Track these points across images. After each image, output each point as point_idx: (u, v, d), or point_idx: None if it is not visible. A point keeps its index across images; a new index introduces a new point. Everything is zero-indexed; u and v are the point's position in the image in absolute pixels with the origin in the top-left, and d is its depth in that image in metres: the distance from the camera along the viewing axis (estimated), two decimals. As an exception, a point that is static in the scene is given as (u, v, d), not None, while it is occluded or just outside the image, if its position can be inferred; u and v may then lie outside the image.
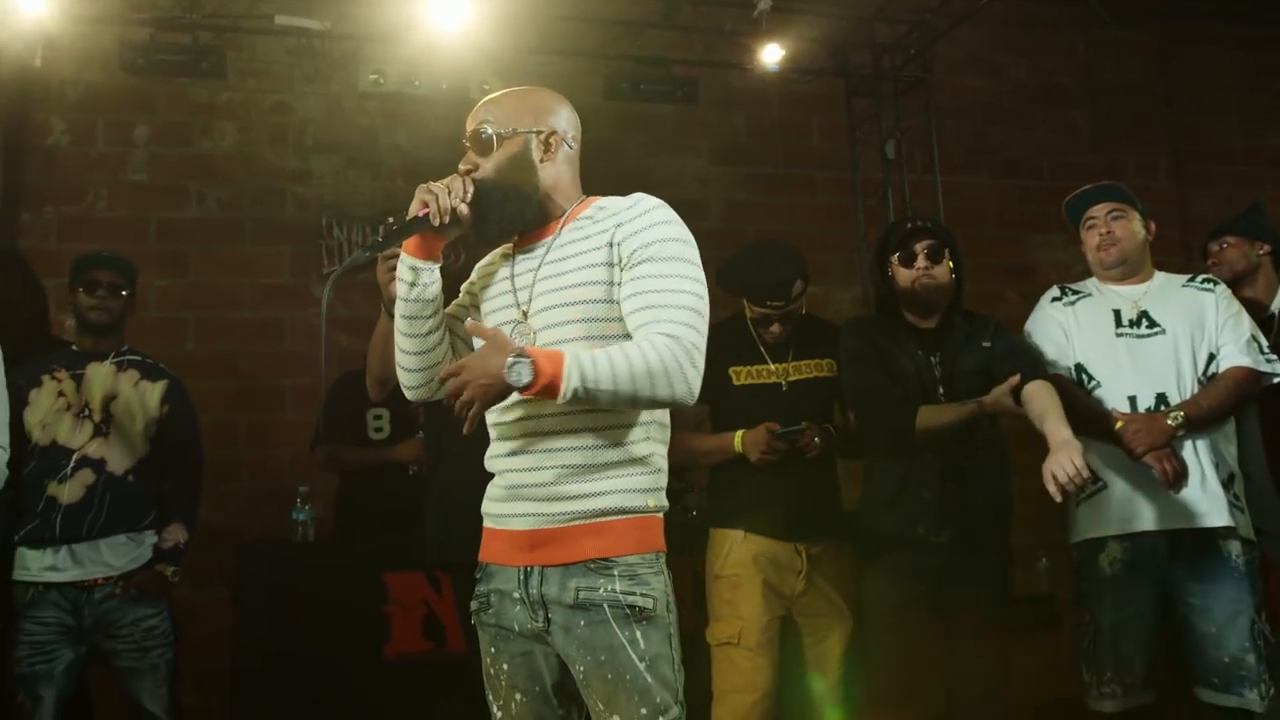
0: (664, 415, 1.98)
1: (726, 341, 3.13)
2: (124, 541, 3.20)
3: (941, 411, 3.00)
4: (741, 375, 3.20)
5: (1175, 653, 3.05)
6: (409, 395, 2.11)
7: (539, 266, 1.99)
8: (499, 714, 2.00)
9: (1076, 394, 3.08)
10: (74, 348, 3.34)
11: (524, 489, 1.94)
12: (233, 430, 4.95)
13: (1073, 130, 6.30)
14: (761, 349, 3.22)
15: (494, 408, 1.92)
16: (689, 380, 1.82)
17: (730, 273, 3.17)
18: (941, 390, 3.04)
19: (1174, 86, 6.44)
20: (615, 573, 1.87)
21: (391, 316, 2.33)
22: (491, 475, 2.07)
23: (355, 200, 5.30)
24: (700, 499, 3.97)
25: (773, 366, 3.21)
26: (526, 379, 1.75)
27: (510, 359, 1.75)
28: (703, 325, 1.88)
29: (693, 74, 5.42)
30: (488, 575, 2.01)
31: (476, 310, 2.11)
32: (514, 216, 2.00)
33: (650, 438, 1.95)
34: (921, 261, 3.06)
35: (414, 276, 1.97)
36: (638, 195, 1.99)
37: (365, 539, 3.73)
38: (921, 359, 3.07)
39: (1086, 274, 3.31)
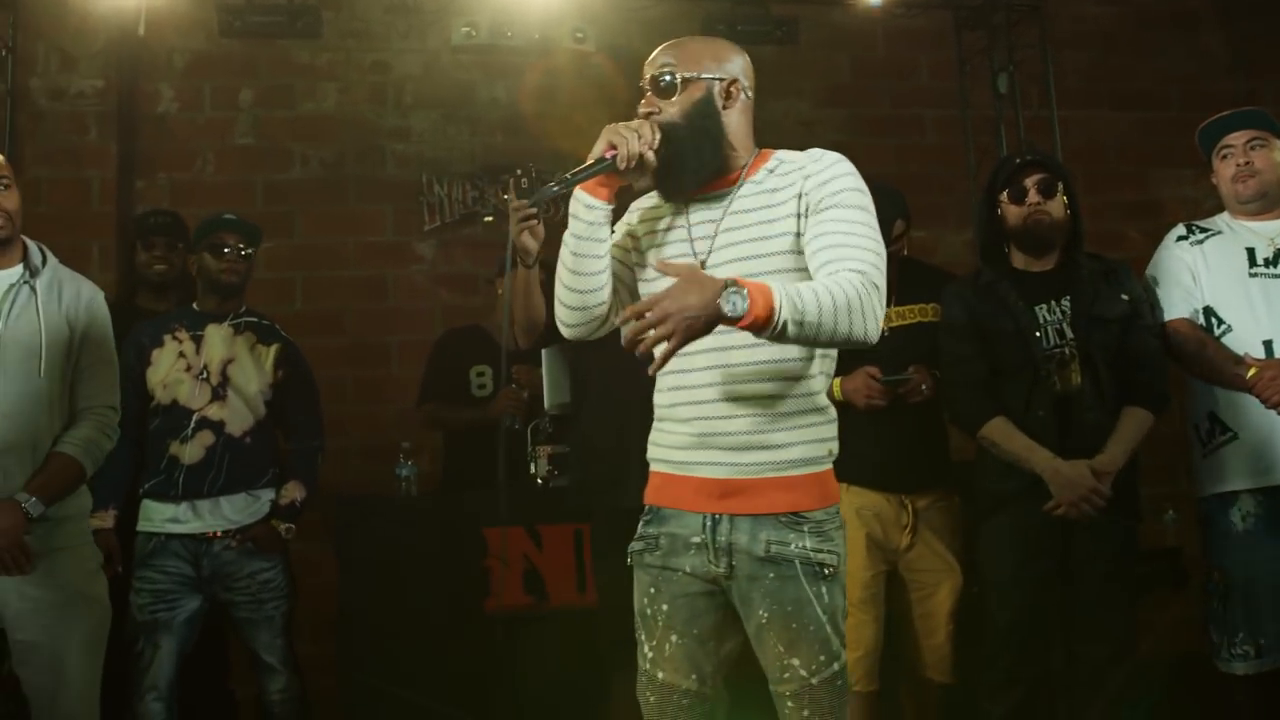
0: (832, 363, 2.02)
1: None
2: (243, 498, 3.29)
3: (1009, 439, 2.86)
4: (842, 320, 3.10)
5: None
6: (567, 333, 2.14)
7: (722, 217, 2.01)
8: (650, 654, 2.03)
9: (1205, 340, 2.89)
10: (195, 307, 3.41)
11: (716, 437, 1.96)
12: (341, 387, 5.03)
13: (1206, 56, 5.88)
14: None
15: (679, 351, 1.90)
16: (877, 317, 1.84)
17: None
18: (1070, 334, 2.86)
19: (1320, 3, 5.95)
20: (805, 529, 1.94)
21: (528, 268, 2.42)
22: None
23: (455, 156, 5.30)
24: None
25: None
26: (742, 309, 1.71)
27: (725, 289, 1.72)
28: (884, 268, 1.90)
29: (792, 13, 5.23)
30: (660, 518, 2.04)
31: (639, 254, 2.11)
32: (701, 164, 2.00)
33: (826, 389, 2.01)
34: (1033, 197, 2.90)
35: (591, 215, 2.00)
36: (819, 150, 2.00)
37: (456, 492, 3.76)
38: (1024, 311, 2.90)
39: (1217, 210, 3.09)
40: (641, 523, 2.08)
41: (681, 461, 2.02)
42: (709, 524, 1.97)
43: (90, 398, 2.80)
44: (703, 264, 1.98)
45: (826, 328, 1.78)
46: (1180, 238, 3.04)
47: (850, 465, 3.01)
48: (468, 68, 5.28)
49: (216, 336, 3.34)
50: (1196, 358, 2.91)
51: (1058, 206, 2.92)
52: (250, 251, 3.43)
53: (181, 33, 5.06)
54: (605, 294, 2.07)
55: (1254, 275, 2.89)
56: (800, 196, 1.94)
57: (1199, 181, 3.20)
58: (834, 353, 2.02)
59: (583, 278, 2.04)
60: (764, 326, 1.74)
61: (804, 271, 1.93)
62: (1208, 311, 2.94)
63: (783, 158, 2.04)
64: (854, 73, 5.62)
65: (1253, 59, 5.80)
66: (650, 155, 1.95)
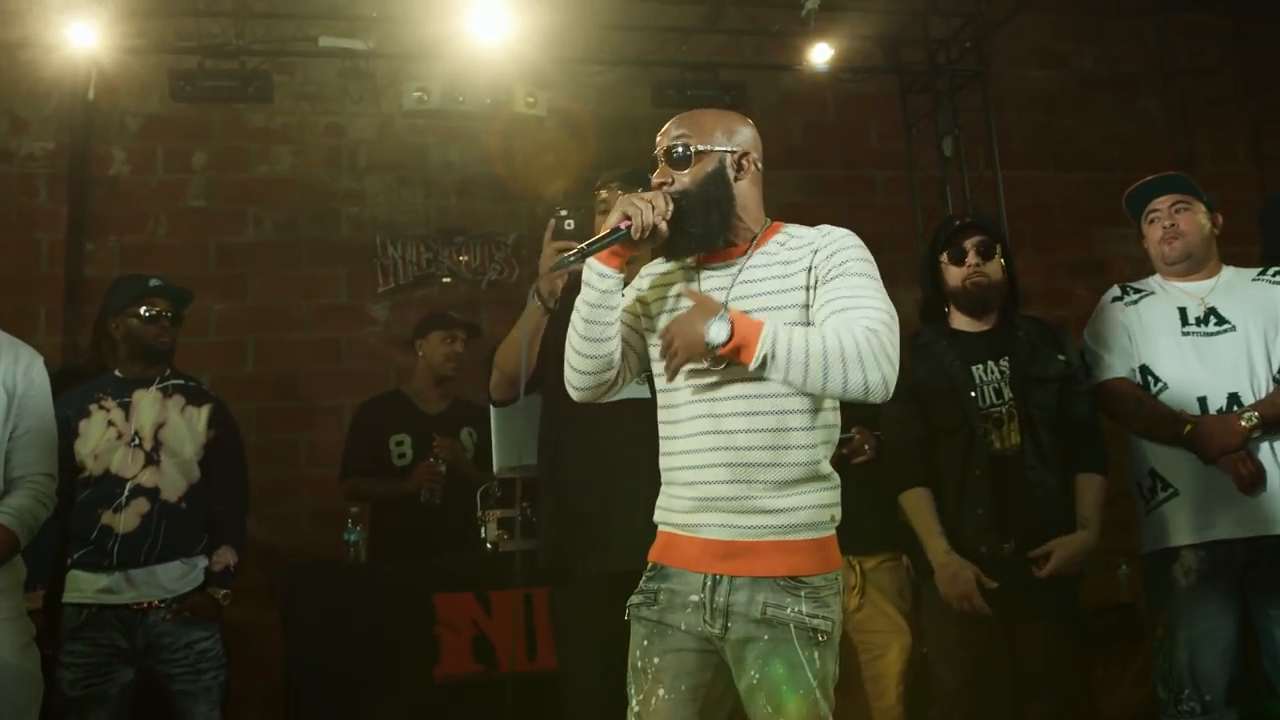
0: (836, 431, 2.06)
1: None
2: (178, 566, 3.22)
3: (916, 514, 2.91)
4: (791, 383, 3.12)
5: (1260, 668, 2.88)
6: (576, 396, 2.16)
7: (732, 285, 2.05)
8: (637, 708, 2.05)
9: (1142, 398, 2.94)
10: (118, 374, 3.33)
11: (717, 501, 2.00)
12: (293, 451, 5.00)
13: (1144, 118, 6.06)
14: None
15: (669, 419, 2.09)
16: (883, 370, 1.87)
17: None
18: (1008, 394, 2.89)
19: (1252, 67, 6.16)
20: (803, 594, 1.96)
21: (549, 312, 2.57)
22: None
23: (409, 218, 5.33)
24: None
25: None
26: (722, 336, 1.87)
27: (715, 317, 1.88)
28: (896, 330, 1.92)
29: (742, 78, 5.34)
30: (662, 575, 2.07)
31: (649, 319, 2.17)
32: (711, 233, 2.05)
33: (829, 456, 2.04)
34: (972, 258, 2.94)
35: (605, 284, 2.04)
36: (827, 225, 2.07)
37: (404, 560, 3.71)
38: (961, 370, 2.93)
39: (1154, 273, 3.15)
40: (644, 578, 2.11)
41: (685, 524, 2.06)
42: (709, 584, 2.00)
43: (27, 465, 2.75)
44: None
45: (815, 372, 1.86)
46: (1115, 299, 3.10)
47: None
48: (421, 131, 5.33)
49: (145, 401, 3.28)
50: (1135, 415, 2.95)
51: (996, 268, 2.97)
52: (179, 316, 3.37)
53: (134, 96, 5.07)
54: (615, 359, 2.11)
55: (1186, 334, 2.94)
56: (810, 270, 2.00)
57: (1142, 240, 3.27)
58: (835, 420, 2.06)
59: (594, 344, 2.08)
60: (749, 357, 1.87)
61: None
62: (1144, 370, 2.98)
63: (793, 232, 2.10)
64: (805, 135, 5.73)
65: (1189, 121, 5.98)
66: (663, 226, 2.00)
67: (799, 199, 5.63)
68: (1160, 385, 2.94)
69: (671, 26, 5.16)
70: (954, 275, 2.98)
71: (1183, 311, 2.97)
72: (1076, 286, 5.46)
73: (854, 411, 3.03)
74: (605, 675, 2.78)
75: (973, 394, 2.90)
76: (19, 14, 4.68)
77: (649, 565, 2.12)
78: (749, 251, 2.08)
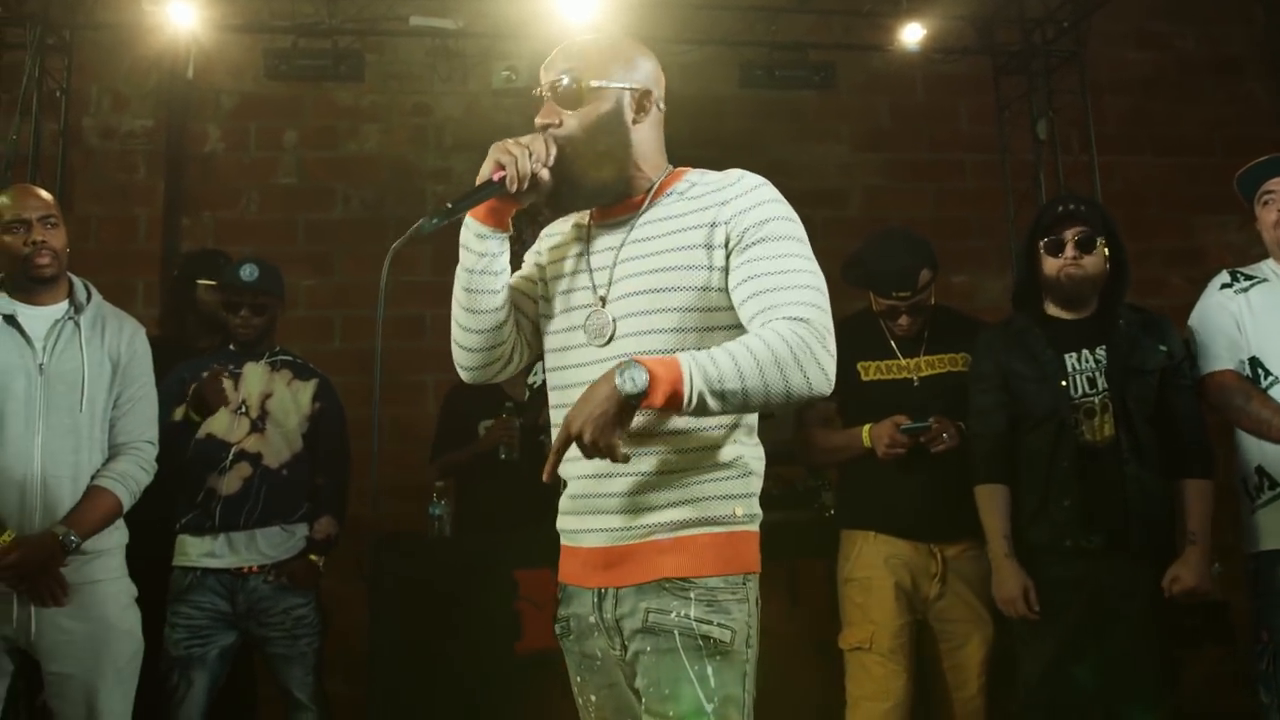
0: (751, 416, 1.74)
1: (854, 336, 3.02)
2: (278, 532, 3.32)
3: (987, 511, 2.91)
4: (870, 370, 3.08)
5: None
6: (465, 376, 1.90)
7: (621, 245, 1.77)
8: None
9: (1251, 392, 2.83)
10: (231, 347, 3.46)
11: (594, 499, 1.74)
12: (378, 424, 5.06)
13: (1249, 101, 5.84)
14: (891, 343, 3.10)
15: (557, 407, 1.78)
16: (823, 365, 1.59)
17: (855, 265, 3.06)
18: (1103, 384, 2.82)
19: (1366, 50, 5.90)
20: (692, 595, 1.65)
21: None
22: None
23: (494, 198, 5.34)
24: (835, 497, 3.85)
25: (903, 361, 3.09)
26: (641, 382, 1.51)
27: (619, 372, 1.52)
28: (828, 307, 1.65)
29: (831, 58, 5.25)
30: (567, 597, 1.82)
31: (544, 284, 1.88)
32: (602, 186, 1.77)
33: (737, 440, 1.72)
34: (1070, 250, 2.86)
35: (483, 246, 1.76)
36: (738, 171, 1.76)
37: (488, 534, 3.74)
38: (1053, 359, 2.86)
39: (1263, 257, 3.02)
40: (557, 603, 1.86)
41: (571, 530, 1.80)
42: (596, 600, 1.73)
43: (129, 432, 2.84)
44: (602, 300, 1.75)
45: (755, 389, 1.55)
46: (1224, 285, 2.97)
47: (878, 514, 3.03)
48: (508, 110, 5.34)
49: (254, 373, 3.40)
50: (1243, 411, 2.83)
51: (1096, 261, 2.87)
52: (267, 304, 3.42)
53: (229, 75, 5.18)
54: (505, 333, 1.84)
55: (1301, 325, 2.83)
56: (714, 226, 1.69)
57: (1243, 228, 3.15)
58: None
59: (477, 315, 1.81)
60: (679, 403, 1.53)
61: (712, 312, 1.70)
62: (1254, 362, 2.87)
63: (695, 179, 1.78)
64: (893, 117, 5.64)
65: (1295, 106, 5.75)
66: (545, 174, 1.71)
67: (883, 182, 5.55)
68: (1271, 379, 2.83)
69: (761, 6, 5.09)
70: (1050, 265, 2.90)
71: (1298, 301, 2.85)
72: (1172, 276, 5.31)
73: (939, 399, 3.01)
74: None
75: (1064, 383, 2.83)
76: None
77: (559, 586, 1.85)
78: (644, 205, 1.77)
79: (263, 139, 5.27)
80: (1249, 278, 2.96)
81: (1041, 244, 2.92)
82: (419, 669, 3.37)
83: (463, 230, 1.79)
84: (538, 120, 1.77)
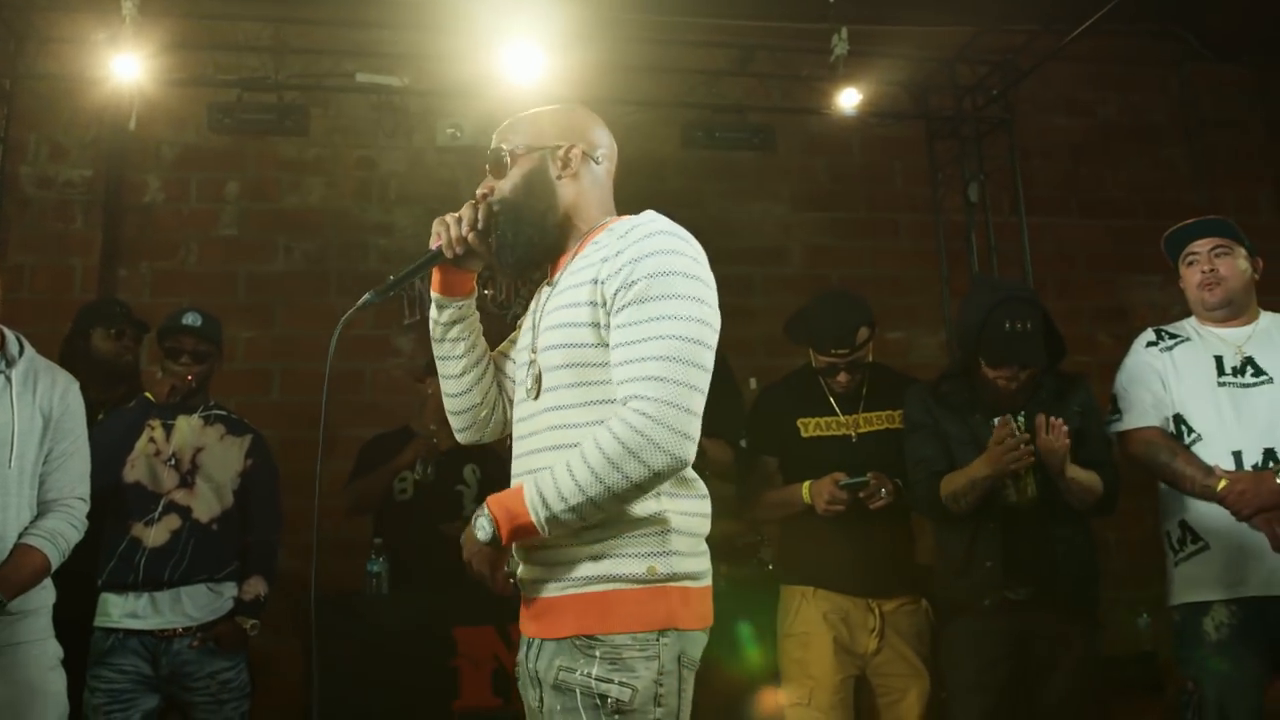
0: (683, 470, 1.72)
1: (795, 393, 3.10)
2: (204, 592, 3.25)
3: (955, 477, 2.91)
4: (810, 427, 3.14)
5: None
6: (458, 438, 2.01)
7: (546, 300, 1.83)
8: None
9: (1176, 449, 2.92)
10: (148, 396, 3.39)
11: (529, 553, 1.78)
12: (315, 480, 4.99)
13: (1168, 167, 6.07)
14: (830, 400, 3.16)
15: (515, 457, 1.82)
16: (660, 444, 1.59)
17: (797, 323, 3.13)
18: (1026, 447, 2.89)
19: (1275, 119, 6.18)
20: (596, 653, 1.65)
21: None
22: None
23: (436, 252, 5.35)
24: (775, 552, 3.89)
25: (842, 418, 3.15)
26: (489, 530, 1.67)
27: (474, 520, 1.67)
28: (685, 369, 1.62)
29: (770, 120, 5.39)
30: (522, 645, 1.86)
31: (514, 346, 1.98)
32: (531, 241, 1.82)
33: (661, 493, 1.70)
34: (1012, 371, 2.92)
35: (444, 315, 1.90)
36: (637, 220, 1.75)
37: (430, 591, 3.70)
38: (982, 423, 2.94)
39: (1185, 315, 3.13)
40: None
41: (520, 579, 1.83)
42: (526, 648, 1.80)
43: (59, 489, 2.78)
44: (535, 352, 1.80)
45: (601, 495, 1.60)
46: (1150, 343, 3.07)
47: (818, 569, 3.07)
48: (452, 166, 5.38)
49: (186, 426, 3.35)
50: (1168, 467, 2.92)
51: (1032, 373, 2.95)
52: (209, 353, 3.41)
53: (171, 126, 5.15)
54: (479, 396, 1.94)
55: (1222, 384, 2.92)
56: (595, 284, 1.70)
57: (1166, 287, 3.27)
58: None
59: (450, 380, 1.93)
60: (535, 531, 1.65)
61: (608, 368, 1.71)
62: (1178, 419, 2.97)
63: (615, 226, 1.78)
64: (831, 178, 5.76)
65: (1212, 171, 6.00)
66: (472, 236, 1.80)
67: (825, 240, 5.66)
68: (1194, 436, 2.93)
69: (701, 69, 5.22)
70: (991, 374, 2.95)
71: (1219, 360, 2.94)
72: (1099, 333, 5.46)
73: (877, 455, 3.07)
74: None
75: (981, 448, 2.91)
76: (63, 45, 4.78)
77: None
78: (569, 260, 1.82)
79: (204, 190, 5.23)
80: (1173, 336, 3.06)
81: (983, 359, 2.95)
82: (356, 728, 3.31)
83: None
84: (477, 191, 1.88)
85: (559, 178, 1.84)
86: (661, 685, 1.67)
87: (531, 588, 1.77)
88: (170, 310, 3.77)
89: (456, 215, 1.83)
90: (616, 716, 1.64)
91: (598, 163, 1.88)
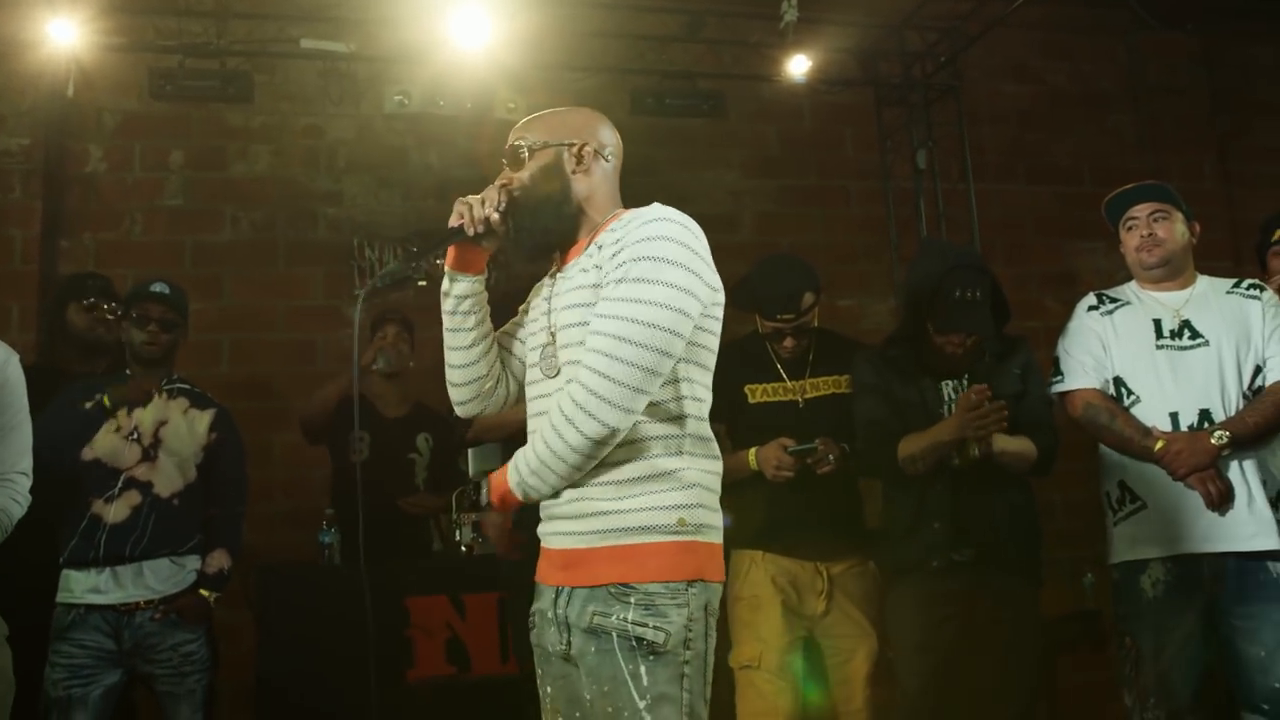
0: (698, 427, 1.89)
1: (742, 359, 3.11)
2: (166, 565, 3.22)
3: (916, 439, 2.95)
4: (757, 393, 3.16)
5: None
6: (459, 410, 2.13)
7: (552, 293, 1.98)
8: None
9: (1115, 410, 2.98)
10: (127, 372, 3.36)
11: (554, 507, 1.92)
12: (267, 452, 4.96)
13: (1115, 134, 6.15)
14: (778, 366, 3.18)
15: (530, 429, 1.97)
16: (593, 411, 1.76)
17: (742, 290, 3.13)
18: None
19: (1219, 87, 6.27)
20: (632, 600, 1.80)
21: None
22: None
23: (387, 220, 5.31)
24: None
25: (789, 384, 3.17)
26: (486, 499, 1.93)
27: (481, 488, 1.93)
28: (635, 350, 1.76)
29: (720, 87, 5.37)
30: (537, 594, 2.00)
31: (523, 328, 2.10)
32: (548, 228, 1.98)
33: (684, 451, 1.86)
34: (961, 338, 2.97)
35: (458, 289, 2.01)
36: (642, 211, 1.90)
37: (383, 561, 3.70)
38: (930, 385, 2.99)
39: (1128, 279, 3.19)
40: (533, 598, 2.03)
41: (542, 533, 1.98)
42: (554, 597, 1.91)
43: (0, 463, 2.73)
44: (553, 336, 1.94)
45: (552, 461, 1.82)
46: (1091, 307, 3.13)
47: (766, 533, 3.10)
48: (401, 134, 5.32)
49: (148, 401, 3.30)
50: (1107, 428, 2.99)
51: (978, 339, 3.00)
52: (176, 322, 3.38)
53: (112, 93, 5.03)
54: (484, 368, 2.07)
55: (1160, 347, 2.98)
56: (598, 269, 1.88)
57: (1111, 253, 3.32)
58: (685, 411, 1.87)
59: (458, 352, 2.05)
60: (516, 498, 1.92)
61: None
62: (1118, 381, 3.03)
63: (626, 218, 1.92)
64: (781, 145, 5.77)
65: (1158, 138, 6.08)
66: (495, 217, 1.94)
67: (775, 208, 5.68)
68: (1133, 398, 2.99)
69: (651, 35, 5.19)
70: (939, 341, 2.99)
71: (1157, 324, 3.00)
72: (1046, 298, 5.52)
73: (824, 420, 3.10)
74: None
75: (941, 411, 2.96)
76: (-3, 9, 4.65)
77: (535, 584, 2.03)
78: (583, 249, 1.97)
79: (147, 159, 5.12)
80: (1113, 300, 3.12)
81: (932, 325, 2.99)
82: (308, 700, 3.31)
83: (444, 279, 2.03)
84: (497, 181, 2.01)
85: (573, 172, 2.00)
86: (690, 631, 1.81)
87: (556, 539, 1.92)
88: (116, 282, 3.74)
89: (479, 196, 1.96)
90: (651, 657, 1.78)
91: (607, 160, 2.04)
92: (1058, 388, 3.09)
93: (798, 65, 5.10)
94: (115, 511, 3.17)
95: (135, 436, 3.25)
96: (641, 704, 1.76)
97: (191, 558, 3.28)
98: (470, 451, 3.58)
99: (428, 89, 4.86)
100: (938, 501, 2.92)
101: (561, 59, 5.01)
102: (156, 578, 3.19)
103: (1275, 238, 3.41)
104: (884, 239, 5.68)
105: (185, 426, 3.32)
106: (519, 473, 1.87)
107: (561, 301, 1.93)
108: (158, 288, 3.34)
